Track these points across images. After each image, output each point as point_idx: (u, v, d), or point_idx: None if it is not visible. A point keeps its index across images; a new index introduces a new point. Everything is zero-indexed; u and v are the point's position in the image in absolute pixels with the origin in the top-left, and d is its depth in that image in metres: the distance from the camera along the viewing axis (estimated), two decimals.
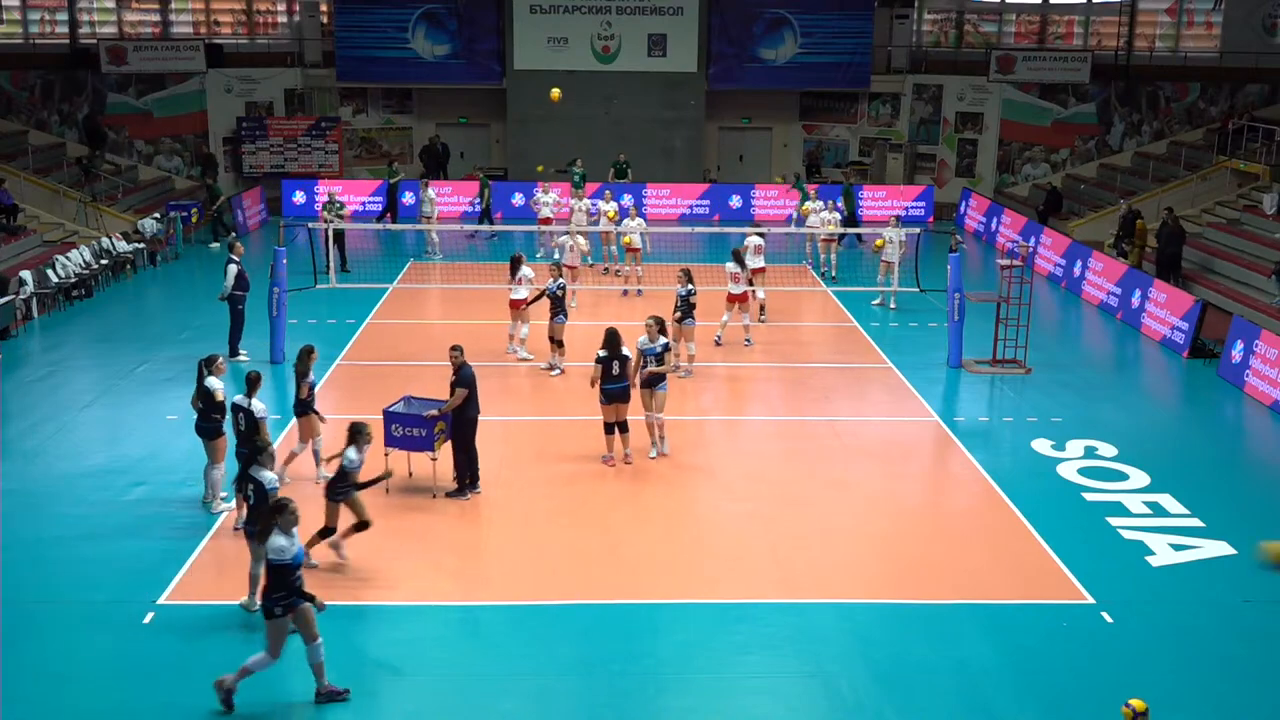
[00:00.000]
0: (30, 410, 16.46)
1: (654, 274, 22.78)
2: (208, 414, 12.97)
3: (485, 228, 29.53)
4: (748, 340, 19.99)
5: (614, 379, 14.29)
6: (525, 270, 18.71)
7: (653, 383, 14.68)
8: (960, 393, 18.15)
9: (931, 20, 36.21)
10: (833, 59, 33.87)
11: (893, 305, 22.79)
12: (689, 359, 18.23)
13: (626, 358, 14.35)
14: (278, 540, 9.37)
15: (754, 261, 20.55)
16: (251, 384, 12.69)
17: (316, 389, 13.72)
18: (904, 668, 10.33)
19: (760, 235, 21.31)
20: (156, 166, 33.99)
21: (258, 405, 12.56)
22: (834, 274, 24.74)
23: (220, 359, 13.21)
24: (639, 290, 22.90)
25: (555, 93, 24.46)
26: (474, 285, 23.20)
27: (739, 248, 20.25)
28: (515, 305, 18.77)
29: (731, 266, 19.48)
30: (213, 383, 12.89)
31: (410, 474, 13.97)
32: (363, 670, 10.16)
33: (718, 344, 19.70)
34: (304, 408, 13.63)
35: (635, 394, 14.64)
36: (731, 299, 19.63)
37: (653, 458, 14.83)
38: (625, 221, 23.47)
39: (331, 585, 11.53)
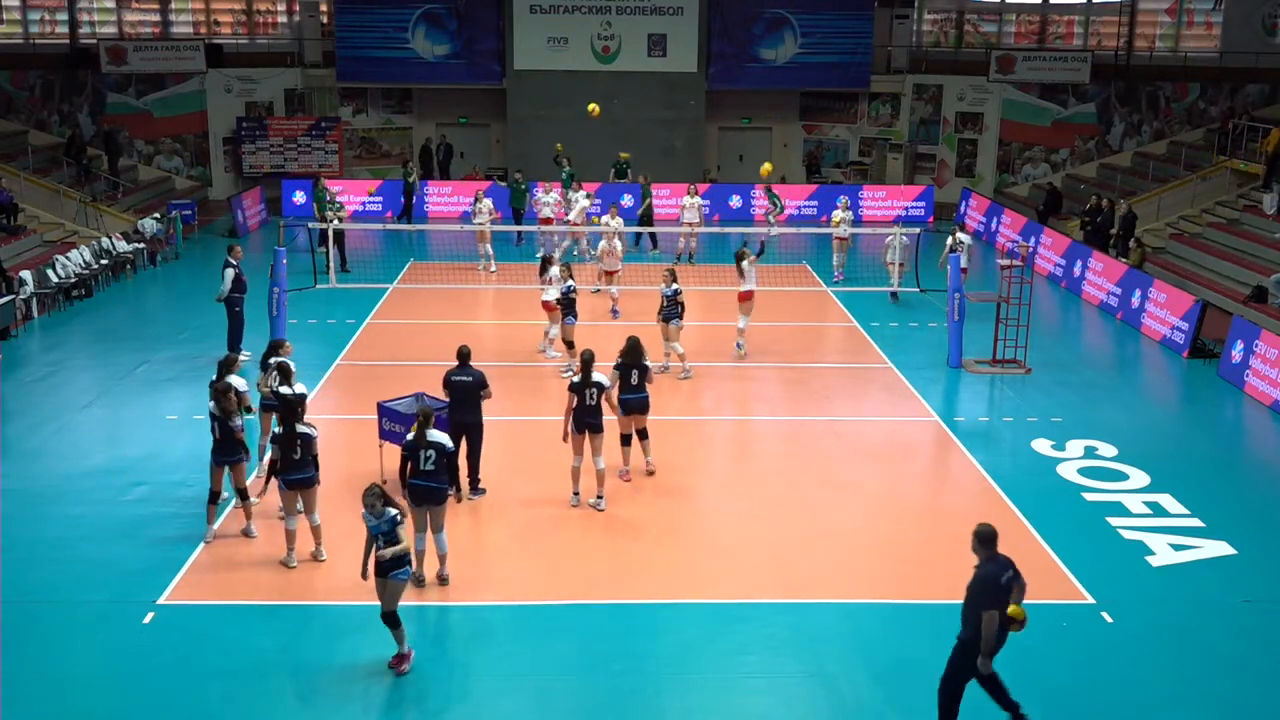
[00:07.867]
0: (30, 410, 16.46)
1: (654, 274, 22.74)
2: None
3: (405, 227, 29.03)
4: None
5: (633, 389, 13.82)
6: (553, 271, 18.48)
7: (631, 408, 13.96)
8: (960, 393, 18.14)
9: (931, 20, 36.24)
10: (833, 59, 33.90)
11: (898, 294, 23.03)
12: (679, 358, 18.14)
13: (646, 367, 13.87)
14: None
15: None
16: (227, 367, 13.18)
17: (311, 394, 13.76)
18: (904, 668, 10.33)
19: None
20: (157, 166, 34.08)
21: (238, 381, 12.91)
22: (837, 276, 24.56)
23: (236, 359, 13.49)
24: (614, 311, 21.69)
25: (593, 108, 24.60)
26: (473, 285, 23.20)
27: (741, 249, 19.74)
28: (547, 306, 18.63)
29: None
30: (234, 380, 13.04)
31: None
32: (363, 670, 10.17)
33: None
34: None
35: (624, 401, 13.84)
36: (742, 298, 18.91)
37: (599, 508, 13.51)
38: (601, 244, 22.07)
39: (332, 585, 11.56)
